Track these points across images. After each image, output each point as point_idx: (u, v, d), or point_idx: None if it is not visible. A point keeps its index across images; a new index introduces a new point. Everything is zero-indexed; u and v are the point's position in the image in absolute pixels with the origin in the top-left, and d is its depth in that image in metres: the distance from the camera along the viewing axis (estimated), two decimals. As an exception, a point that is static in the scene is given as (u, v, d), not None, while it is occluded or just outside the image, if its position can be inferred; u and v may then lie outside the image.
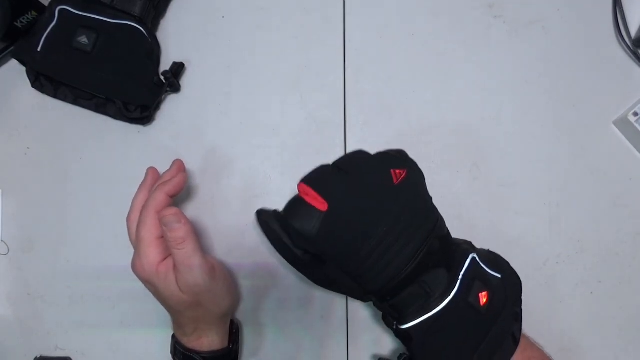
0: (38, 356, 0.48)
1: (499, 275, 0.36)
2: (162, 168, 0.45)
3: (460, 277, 0.34)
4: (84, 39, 0.46)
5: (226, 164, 0.49)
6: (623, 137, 0.48)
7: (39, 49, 0.46)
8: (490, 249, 0.40)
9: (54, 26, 0.47)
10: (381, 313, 0.38)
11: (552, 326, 0.46)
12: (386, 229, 0.32)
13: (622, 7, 0.49)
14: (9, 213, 0.49)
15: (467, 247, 0.37)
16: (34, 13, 0.48)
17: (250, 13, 0.51)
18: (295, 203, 0.32)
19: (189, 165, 0.49)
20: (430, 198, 0.36)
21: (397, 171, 0.33)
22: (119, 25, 0.47)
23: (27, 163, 0.50)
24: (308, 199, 0.32)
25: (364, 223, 0.32)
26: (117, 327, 0.48)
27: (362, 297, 0.37)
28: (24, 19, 0.47)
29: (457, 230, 0.39)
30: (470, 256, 0.35)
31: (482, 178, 0.48)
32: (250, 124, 0.49)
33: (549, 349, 0.38)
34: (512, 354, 0.35)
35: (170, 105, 0.50)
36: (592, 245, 0.47)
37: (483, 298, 0.34)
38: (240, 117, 0.49)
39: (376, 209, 0.32)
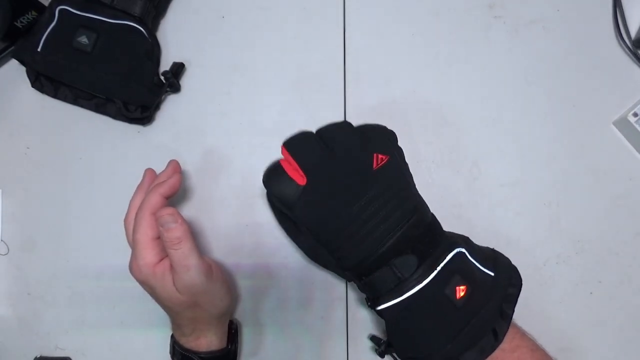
0: (38, 356, 0.48)
1: (491, 274, 0.36)
2: (162, 168, 0.44)
3: (439, 268, 0.34)
4: (84, 39, 0.46)
5: (226, 164, 0.49)
6: (623, 137, 0.48)
7: (39, 49, 0.46)
8: (492, 248, 0.40)
9: (54, 26, 0.47)
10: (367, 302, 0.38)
11: (552, 326, 0.46)
12: (358, 210, 0.34)
13: (622, 7, 0.49)
14: (9, 213, 0.49)
15: (457, 240, 0.37)
16: (34, 13, 0.48)
17: (250, 13, 0.51)
18: (277, 172, 0.34)
19: (189, 165, 0.49)
20: (413, 185, 0.37)
21: (380, 156, 0.35)
22: (119, 25, 0.47)
23: (27, 163, 0.50)
24: (289, 171, 0.34)
25: (339, 202, 0.34)
26: (117, 327, 0.48)
27: (342, 273, 0.38)
28: (24, 19, 0.47)
29: (457, 230, 0.39)
30: (456, 250, 0.35)
31: (482, 178, 0.48)
32: (250, 124, 0.49)
33: (549, 349, 0.38)
34: (492, 349, 0.34)
35: (170, 105, 0.50)
36: (592, 245, 0.47)
37: (460, 292, 0.34)
38: (240, 117, 0.49)
39: (352, 191, 0.34)
